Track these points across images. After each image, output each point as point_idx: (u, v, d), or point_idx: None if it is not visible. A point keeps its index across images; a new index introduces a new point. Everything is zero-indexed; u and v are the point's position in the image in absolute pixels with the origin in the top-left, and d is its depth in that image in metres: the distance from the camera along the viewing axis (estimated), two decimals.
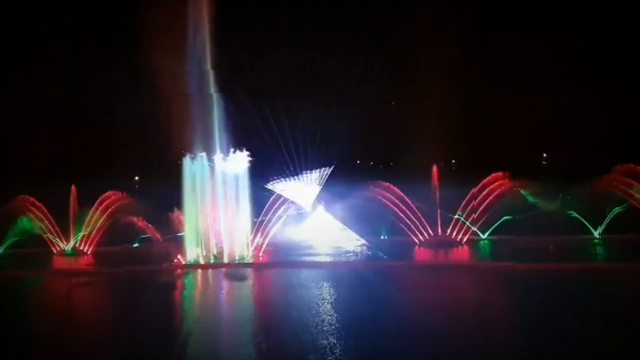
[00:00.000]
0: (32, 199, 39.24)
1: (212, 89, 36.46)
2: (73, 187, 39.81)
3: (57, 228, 38.93)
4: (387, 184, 37.52)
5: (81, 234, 38.50)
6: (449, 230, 36.26)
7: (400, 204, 36.47)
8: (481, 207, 35.95)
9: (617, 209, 34.96)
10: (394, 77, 61.87)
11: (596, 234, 35.32)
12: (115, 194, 39.07)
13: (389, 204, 36.53)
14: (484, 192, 36.16)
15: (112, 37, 57.05)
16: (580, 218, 35.27)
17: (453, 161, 66.59)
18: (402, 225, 36.38)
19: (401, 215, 36.29)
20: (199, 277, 30.16)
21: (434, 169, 37.43)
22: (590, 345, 16.21)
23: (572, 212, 35.38)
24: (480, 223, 36.15)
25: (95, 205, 38.62)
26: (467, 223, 35.83)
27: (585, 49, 58.51)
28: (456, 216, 35.81)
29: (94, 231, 38.35)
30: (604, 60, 58.67)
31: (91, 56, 59.23)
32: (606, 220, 35.24)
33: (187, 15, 35.77)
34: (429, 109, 52.02)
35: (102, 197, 38.88)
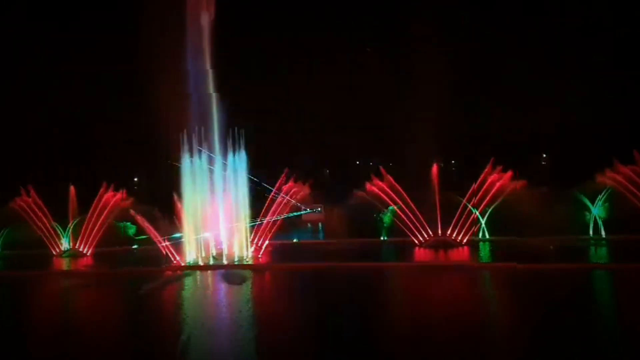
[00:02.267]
0: (29, 199, 39.20)
1: (211, 88, 36.33)
2: (72, 188, 39.73)
3: (54, 229, 38.92)
4: (383, 184, 37.28)
5: (69, 226, 38.44)
6: (448, 231, 36.16)
7: (400, 203, 36.40)
8: (482, 205, 35.80)
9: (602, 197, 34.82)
10: (393, 77, 61.85)
11: (593, 214, 35.16)
12: (115, 193, 38.91)
13: (389, 201, 36.43)
14: (484, 188, 36.04)
15: (112, 37, 56.97)
16: (584, 199, 35.22)
17: (453, 162, 66.62)
18: (401, 226, 36.32)
19: (401, 215, 36.22)
20: (197, 279, 30.01)
21: (434, 168, 37.26)
22: (591, 345, 16.13)
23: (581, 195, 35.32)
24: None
25: (94, 204, 38.47)
26: (476, 214, 35.60)
27: (584, 48, 58.58)
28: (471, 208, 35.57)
29: (94, 232, 38.30)
30: (603, 60, 58.73)
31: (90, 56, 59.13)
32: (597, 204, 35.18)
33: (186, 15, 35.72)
34: (429, 109, 51.95)
35: (100, 194, 38.72)
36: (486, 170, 36.18)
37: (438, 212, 36.25)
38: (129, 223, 38.67)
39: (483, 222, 36.24)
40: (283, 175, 38.18)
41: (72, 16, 60.94)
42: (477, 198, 35.87)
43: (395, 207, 36.52)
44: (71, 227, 39.00)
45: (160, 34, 36.23)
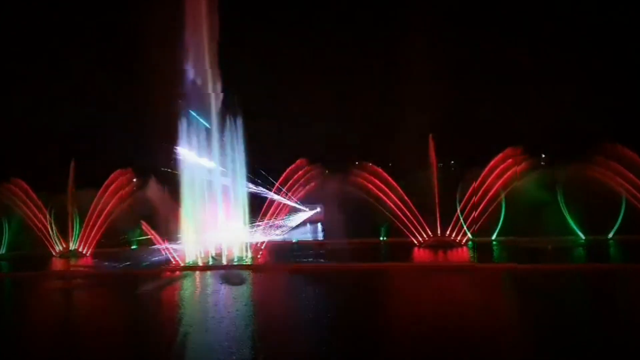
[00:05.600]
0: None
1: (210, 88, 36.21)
2: (70, 189, 39.56)
3: (54, 230, 38.85)
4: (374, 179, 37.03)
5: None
6: (448, 232, 36.08)
7: (394, 197, 36.30)
8: (482, 203, 35.60)
9: None
10: (389, 76, 61.92)
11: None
12: (123, 174, 38.72)
13: (383, 197, 36.28)
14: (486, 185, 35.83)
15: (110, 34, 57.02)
16: None
17: (452, 162, 66.61)
18: (400, 226, 36.23)
19: (401, 215, 36.13)
20: (197, 279, 29.88)
21: (434, 167, 37.08)
22: (591, 346, 16.08)
23: None
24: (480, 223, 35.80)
25: (102, 189, 38.34)
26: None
27: (583, 48, 58.65)
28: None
29: (94, 232, 38.27)
30: (603, 59, 58.83)
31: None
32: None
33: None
34: (428, 109, 51.97)
35: (111, 177, 38.52)
36: (496, 159, 35.97)
37: (437, 212, 36.17)
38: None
39: (500, 223, 35.75)
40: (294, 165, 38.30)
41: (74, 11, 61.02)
42: (477, 197, 35.78)
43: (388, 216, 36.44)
44: (71, 199, 38.62)
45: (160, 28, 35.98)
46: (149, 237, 33.87)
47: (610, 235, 34.42)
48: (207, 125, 34.92)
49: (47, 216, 38.78)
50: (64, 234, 39.04)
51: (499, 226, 35.59)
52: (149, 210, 35.43)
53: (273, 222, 37.28)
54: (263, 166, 40.67)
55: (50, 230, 38.72)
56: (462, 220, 35.50)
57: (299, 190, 38.16)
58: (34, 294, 27.96)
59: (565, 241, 33.58)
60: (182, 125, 34.68)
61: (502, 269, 28.43)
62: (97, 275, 32.65)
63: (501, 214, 35.29)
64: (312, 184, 38.00)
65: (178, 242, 33.72)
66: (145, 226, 33.26)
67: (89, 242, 38.49)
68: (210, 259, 33.33)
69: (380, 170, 37.97)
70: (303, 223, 47.67)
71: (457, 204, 35.77)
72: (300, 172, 38.21)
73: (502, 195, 35.14)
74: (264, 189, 39.00)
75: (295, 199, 38.64)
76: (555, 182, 35.01)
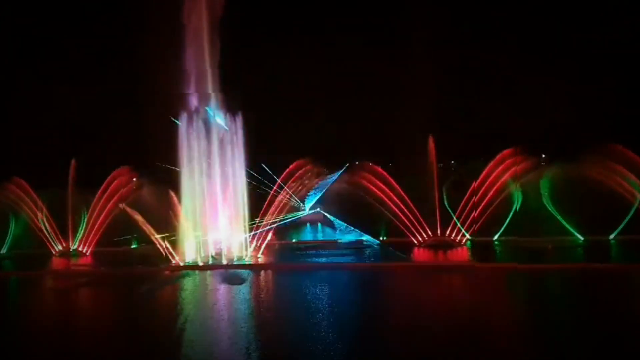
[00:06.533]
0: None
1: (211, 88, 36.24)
2: (71, 188, 39.56)
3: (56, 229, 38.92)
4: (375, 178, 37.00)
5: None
6: (447, 231, 36.05)
7: (394, 197, 36.27)
8: (483, 203, 35.52)
9: None
10: (390, 77, 61.94)
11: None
12: (124, 172, 38.70)
13: (383, 196, 36.23)
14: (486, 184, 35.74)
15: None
16: None
17: (452, 162, 66.59)
18: (400, 226, 36.21)
19: (400, 215, 36.10)
20: (196, 279, 29.86)
21: (433, 167, 37.04)
22: (592, 346, 16.08)
23: None
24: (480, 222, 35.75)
25: (101, 189, 38.34)
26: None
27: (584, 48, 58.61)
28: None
29: (94, 231, 38.27)
30: (602, 59, 58.81)
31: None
32: None
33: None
34: (427, 110, 51.97)
35: (111, 175, 38.54)
36: (496, 159, 35.95)
37: (437, 212, 36.13)
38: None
39: (508, 219, 35.53)
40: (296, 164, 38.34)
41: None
42: (477, 197, 35.75)
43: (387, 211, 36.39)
44: (71, 198, 38.61)
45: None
46: (149, 237, 33.85)
47: (612, 236, 34.31)
48: (224, 126, 34.95)
49: (45, 212, 38.74)
50: (64, 233, 39.04)
51: (504, 225, 35.47)
52: (149, 208, 35.47)
53: (273, 221, 37.25)
54: (263, 165, 40.76)
55: (44, 228, 38.66)
56: (452, 215, 35.48)
57: (299, 189, 38.20)
58: (33, 294, 28.00)
59: (566, 241, 33.52)
60: (183, 124, 34.78)
61: (502, 269, 28.43)
62: (97, 274, 32.64)
63: (509, 211, 35.13)
64: (313, 182, 38.02)
65: (178, 241, 33.69)
66: (126, 208, 33.20)
67: (89, 241, 38.49)
68: (210, 259, 33.32)
69: (380, 169, 37.98)
70: (303, 222, 47.64)
71: (445, 199, 35.67)
72: (300, 171, 38.25)
73: (514, 189, 35.02)
74: (265, 188, 39.00)
75: (295, 199, 38.64)
76: (548, 182, 35.01)
